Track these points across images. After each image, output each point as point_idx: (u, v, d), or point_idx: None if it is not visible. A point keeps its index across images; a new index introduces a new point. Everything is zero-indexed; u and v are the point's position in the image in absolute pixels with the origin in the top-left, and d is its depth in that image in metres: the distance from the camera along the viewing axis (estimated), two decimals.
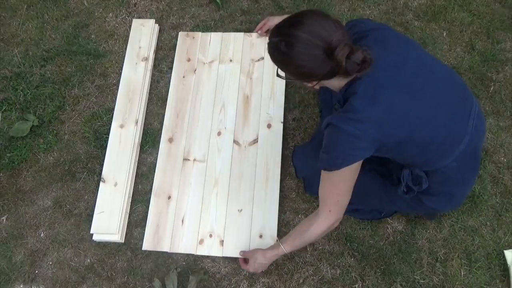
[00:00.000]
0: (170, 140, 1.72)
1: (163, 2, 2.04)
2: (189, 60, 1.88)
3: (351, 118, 1.05)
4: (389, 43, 1.11)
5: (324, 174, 1.16)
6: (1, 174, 1.69)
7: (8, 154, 1.72)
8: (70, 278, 1.53)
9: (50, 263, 1.55)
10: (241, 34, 1.91)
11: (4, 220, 1.62)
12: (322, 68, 1.03)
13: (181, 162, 1.69)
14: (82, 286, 1.52)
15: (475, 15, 1.98)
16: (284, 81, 1.74)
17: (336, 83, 1.11)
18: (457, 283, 1.51)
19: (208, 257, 1.56)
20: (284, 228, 1.60)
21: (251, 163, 1.67)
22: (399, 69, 1.07)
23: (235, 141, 1.71)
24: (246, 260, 1.46)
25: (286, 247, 1.34)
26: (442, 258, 1.55)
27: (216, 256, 1.55)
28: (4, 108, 1.80)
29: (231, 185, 1.64)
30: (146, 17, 2.00)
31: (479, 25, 1.96)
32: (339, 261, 1.55)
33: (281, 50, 1.04)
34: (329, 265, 1.54)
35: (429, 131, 1.09)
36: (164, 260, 1.55)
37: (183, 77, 1.84)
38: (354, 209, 1.56)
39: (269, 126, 1.73)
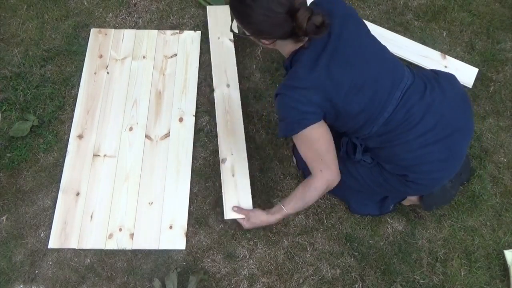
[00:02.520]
0: (80, 136, 1.73)
1: (163, 2, 2.03)
2: (101, 56, 1.89)
3: (295, 86, 1.18)
4: (334, 14, 1.21)
5: (295, 141, 1.27)
6: (1, 174, 1.69)
7: (8, 154, 1.72)
8: (70, 278, 1.53)
9: (50, 263, 1.55)
10: (155, 31, 1.95)
11: (4, 220, 1.62)
12: (282, 27, 1.11)
13: (90, 158, 1.70)
14: (82, 286, 1.52)
15: (475, 15, 1.98)
16: (196, 75, 1.83)
17: (287, 47, 1.21)
18: (457, 283, 1.51)
19: (208, 257, 1.56)
20: (284, 228, 1.60)
21: (162, 157, 1.70)
22: (339, 40, 1.18)
23: (147, 136, 1.73)
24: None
25: (288, 209, 1.39)
26: (442, 258, 1.55)
27: (127, 249, 1.56)
28: (4, 108, 1.80)
29: (142, 179, 1.66)
30: (146, 18, 2.00)
31: (479, 25, 1.96)
32: (339, 261, 1.55)
33: (246, 2, 1.11)
34: (329, 265, 1.54)
35: (358, 101, 1.20)
36: (164, 260, 1.55)
37: (95, 73, 1.85)
38: (360, 203, 1.57)
39: (181, 120, 1.76)
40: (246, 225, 1.51)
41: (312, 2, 1.28)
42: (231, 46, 1.87)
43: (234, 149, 1.65)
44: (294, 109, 1.19)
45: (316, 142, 1.25)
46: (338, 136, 1.38)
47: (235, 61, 1.83)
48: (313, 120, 1.20)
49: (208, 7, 1.96)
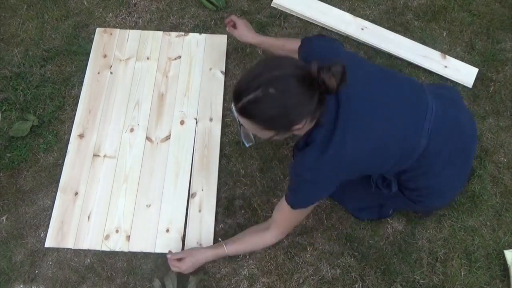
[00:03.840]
0: (81, 136, 1.73)
1: (163, 2, 2.03)
2: (105, 56, 1.89)
3: (309, 167, 1.10)
4: None
5: (286, 205, 1.23)
6: (1, 174, 1.69)
7: (8, 154, 1.72)
8: (70, 278, 1.53)
9: (50, 263, 1.55)
10: (160, 32, 1.94)
11: (4, 220, 1.62)
12: (311, 99, 0.99)
13: (90, 158, 1.69)
14: (82, 286, 1.52)
15: (475, 15, 1.98)
16: (199, 78, 1.81)
17: (308, 125, 1.09)
18: (457, 283, 1.51)
19: None
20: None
21: (162, 159, 1.69)
22: (350, 101, 1.08)
23: (147, 138, 1.73)
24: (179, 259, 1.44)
25: (229, 250, 1.41)
26: (442, 258, 1.55)
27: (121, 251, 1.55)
28: (4, 108, 1.80)
29: (141, 181, 1.66)
30: (146, 18, 2.00)
31: (479, 25, 1.96)
32: (339, 261, 1.55)
33: (267, 100, 0.97)
34: (329, 265, 1.54)
35: (383, 157, 1.14)
36: (164, 261, 1.55)
37: (98, 73, 1.85)
38: (359, 208, 1.57)
39: (182, 122, 1.75)
40: (183, 268, 1.42)
41: (307, 55, 1.21)
42: (221, 79, 1.84)
43: (205, 185, 1.65)
44: (308, 189, 1.17)
45: (304, 214, 1.30)
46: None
47: (222, 96, 1.81)
48: (324, 196, 1.22)
49: (207, 36, 1.93)
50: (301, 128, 1.05)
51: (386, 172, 1.27)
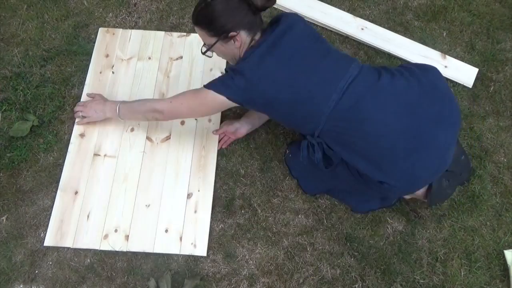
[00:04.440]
0: (82, 135, 1.73)
1: (163, 2, 2.03)
2: (107, 56, 1.89)
3: (236, 69, 1.30)
4: (282, 17, 1.35)
5: (200, 88, 1.39)
6: (1, 174, 1.69)
7: (8, 154, 1.72)
8: (70, 278, 1.53)
9: (50, 263, 1.55)
10: (162, 32, 1.95)
11: (4, 220, 1.62)
12: (240, 11, 1.27)
13: (91, 157, 1.70)
14: (82, 286, 1.52)
15: (475, 15, 1.98)
16: (200, 78, 1.84)
17: (244, 44, 1.33)
18: (457, 283, 1.51)
19: (208, 258, 1.56)
20: (284, 228, 1.60)
21: (162, 159, 1.69)
22: (279, 38, 1.30)
23: (147, 138, 1.73)
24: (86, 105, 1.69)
25: (121, 106, 1.60)
26: (442, 258, 1.55)
27: (121, 251, 1.56)
28: (4, 108, 1.80)
29: (140, 181, 1.66)
30: (146, 18, 1.99)
31: (479, 25, 1.96)
32: (339, 261, 1.55)
33: (206, 4, 1.28)
34: (329, 265, 1.54)
35: (291, 92, 1.28)
36: (164, 261, 1.55)
37: (100, 72, 1.86)
38: (360, 200, 1.57)
39: (182, 122, 1.76)
40: (86, 111, 1.68)
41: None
42: None
43: (201, 186, 1.65)
44: (223, 80, 1.34)
45: (197, 102, 1.41)
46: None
47: None
48: (225, 92, 1.33)
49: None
50: (237, 38, 1.30)
51: (302, 125, 1.37)
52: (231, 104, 1.36)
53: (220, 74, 1.85)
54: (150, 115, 1.53)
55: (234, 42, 1.32)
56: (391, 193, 1.45)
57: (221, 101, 1.35)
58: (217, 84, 1.35)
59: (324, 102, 1.28)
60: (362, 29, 1.93)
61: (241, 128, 1.66)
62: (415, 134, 1.25)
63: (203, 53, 1.39)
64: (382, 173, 1.28)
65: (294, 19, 1.36)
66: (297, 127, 1.43)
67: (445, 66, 1.85)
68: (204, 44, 1.39)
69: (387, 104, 1.27)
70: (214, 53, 1.43)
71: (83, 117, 1.71)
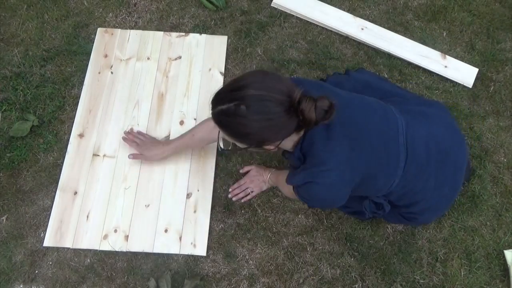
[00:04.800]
0: (81, 135, 1.73)
1: (163, 2, 2.03)
2: (106, 56, 1.89)
3: (323, 170, 1.07)
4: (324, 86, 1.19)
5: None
6: (1, 174, 1.69)
7: (8, 154, 1.72)
8: (70, 278, 1.53)
9: (50, 263, 1.55)
10: (161, 33, 1.94)
11: (4, 220, 1.62)
12: (286, 126, 0.98)
13: (90, 157, 1.70)
14: (82, 286, 1.52)
15: (475, 15, 1.98)
16: (199, 78, 1.80)
17: (290, 141, 1.08)
18: (457, 283, 1.51)
19: (208, 258, 1.56)
20: (284, 228, 1.60)
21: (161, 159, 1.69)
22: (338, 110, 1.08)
23: None
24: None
25: (272, 176, 1.56)
26: (442, 258, 1.55)
27: (121, 251, 1.56)
28: (4, 108, 1.80)
29: (140, 181, 1.66)
30: (146, 18, 1.99)
31: (479, 25, 1.96)
32: (339, 261, 1.55)
33: (238, 115, 0.95)
34: (329, 265, 1.54)
35: (375, 162, 1.14)
36: (164, 261, 1.55)
37: (99, 73, 1.85)
38: (356, 210, 1.57)
39: (181, 123, 1.76)
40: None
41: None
42: (220, 80, 1.84)
43: (201, 186, 1.65)
44: (327, 195, 1.12)
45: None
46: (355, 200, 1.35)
47: None
48: (342, 202, 1.17)
49: (207, 36, 1.93)
50: (273, 148, 1.05)
51: (375, 191, 1.28)
52: None
53: (219, 75, 1.85)
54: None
55: (270, 147, 1.07)
56: (410, 222, 1.49)
57: None
58: (325, 205, 1.26)
59: (396, 163, 1.18)
60: (362, 29, 1.93)
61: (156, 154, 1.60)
62: (453, 182, 1.33)
63: (221, 150, 1.17)
64: (425, 217, 1.37)
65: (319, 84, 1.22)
66: (368, 193, 1.31)
67: (445, 66, 1.85)
68: (221, 140, 1.13)
69: (435, 154, 1.25)
70: None
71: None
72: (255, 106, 0.94)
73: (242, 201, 1.61)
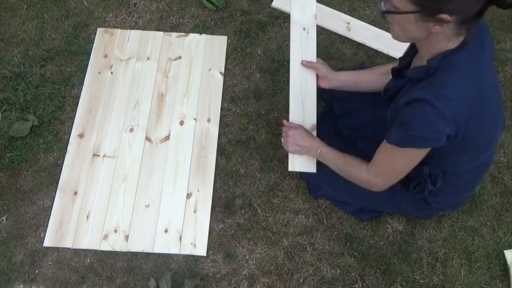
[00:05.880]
0: (80, 135, 1.73)
1: (163, 2, 2.03)
2: (106, 56, 1.89)
3: (444, 95, 0.93)
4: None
5: (388, 145, 1.06)
6: (1, 174, 1.69)
7: (8, 154, 1.72)
8: (70, 278, 1.53)
9: (50, 263, 1.55)
10: (161, 33, 1.94)
11: (4, 220, 1.62)
12: None
13: (90, 157, 1.70)
14: (82, 286, 1.52)
15: None
16: (199, 78, 1.77)
17: (440, 43, 0.95)
18: (457, 283, 1.51)
19: (208, 257, 1.56)
20: (284, 228, 1.60)
21: (161, 160, 1.69)
22: (484, 55, 0.99)
23: (147, 138, 1.73)
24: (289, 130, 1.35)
25: (323, 150, 1.29)
26: (442, 258, 1.55)
27: (121, 251, 1.56)
28: (4, 108, 1.80)
29: (140, 181, 1.66)
30: (146, 18, 2.00)
31: None
32: (339, 261, 1.55)
33: None
34: (329, 265, 1.54)
35: (480, 131, 1.03)
36: (164, 261, 1.55)
37: (99, 73, 1.86)
38: (356, 209, 1.57)
39: (181, 123, 1.76)
40: (288, 143, 1.34)
41: None
42: (220, 79, 1.85)
43: (201, 186, 1.65)
44: (430, 124, 0.96)
45: (406, 163, 1.10)
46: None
47: (220, 96, 1.81)
48: (438, 142, 1.00)
49: (207, 36, 1.93)
50: (442, 26, 0.90)
51: (451, 162, 1.15)
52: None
53: (219, 75, 1.85)
54: (361, 184, 1.25)
55: (434, 26, 0.91)
56: (426, 211, 1.44)
57: (425, 152, 1.07)
58: (419, 139, 1.00)
59: (487, 148, 1.12)
60: (362, 30, 1.93)
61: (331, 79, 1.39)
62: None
63: (382, 12, 0.97)
64: (451, 205, 1.34)
65: (489, 37, 1.06)
66: (441, 164, 1.17)
67: None
68: (387, 1, 0.95)
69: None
70: (392, 21, 0.99)
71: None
72: None
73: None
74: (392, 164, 1.13)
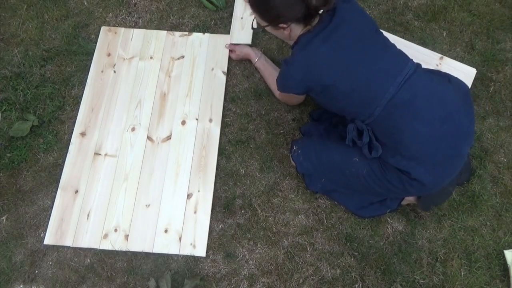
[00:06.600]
0: (83, 134, 1.74)
1: (163, 2, 2.03)
2: (109, 55, 1.89)
3: (289, 61, 1.35)
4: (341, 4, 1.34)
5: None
6: (1, 174, 1.69)
7: (8, 154, 1.72)
8: (70, 278, 1.53)
9: (50, 263, 1.55)
10: (164, 32, 1.94)
11: (4, 220, 1.62)
12: (296, 6, 1.25)
13: (91, 156, 1.70)
14: (82, 286, 1.52)
15: (475, 15, 1.98)
16: (201, 78, 1.86)
17: (297, 32, 1.35)
18: (457, 283, 1.51)
19: (208, 258, 1.56)
20: (284, 228, 1.60)
21: (162, 159, 1.69)
22: (338, 26, 1.30)
23: (148, 137, 1.73)
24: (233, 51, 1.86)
25: (262, 58, 1.81)
26: (442, 258, 1.55)
27: (121, 251, 1.56)
28: (4, 108, 1.80)
29: (141, 181, 1.66)
30: (146, 18, 1.99)
31: (479, 25, 1.96)
32: (339, 261, 1.55)
33: None
34: (329, 265, 1.54)
35: (350, 80, 1.29)
36: (164, 261, 1.55)
37: (102, 71, 1.86)
38: (358, 206, 1.57)
39: (183, 123, 1.76)
40: (232, 56, 1.87)
41: None
42: (223, 79, 1.85)
43: (201, 186, 1.65)
44: (287, 78, 1.40)
45: (289, 97, 1.63)
46: (343, 124, 1.50)
47: (223, 96, 1.81)
48: (296, 90, 1.40)
49: (210, 36, 1.93)
50: (287, 28, 1.32)
51: (355, 115, 1.38)
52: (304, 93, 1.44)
53: (222, 75, 1.85)
54: (271, 88, 1.79)
55: (284, 30, 1.34)
56: (409, 187, 1.43)
57: (294, 95, 1.51)
58: (281, 85, 1.45)
59: (381, 92, 1.29)
60: None
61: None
62: (452, 143, 1.31)
63: (254, 29, 1.45)
64: (422, 171, 1.32)
65: (353, 8, 1.36)
66: (348, 113, 1.43)
67: (443, 68, 1.85)
68: (255, 22, 1.43)
69: (437, 108, 1.29)
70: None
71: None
72: None
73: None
74: (282, 95, 1.67)
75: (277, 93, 1.71)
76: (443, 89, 1.33)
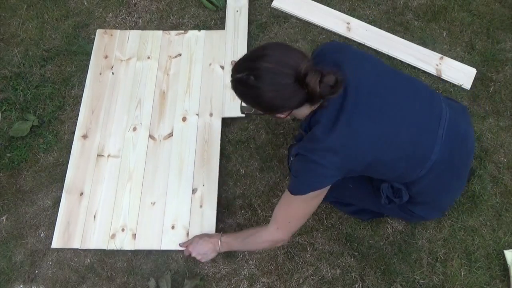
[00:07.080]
0: (84, 136, 1.73)
1: (163, 2, 2.04)
2: (106, 57, 1.89)
3: (315, 148, 1.08)
4: (344, 65, 1.11)
5: (286, 194, 1.19)
6: (1, 174, 1.69)
7: (8, 154, 1.72)
8: (70, 278, 1.53)
9: (50, 263, 1.55)
10: (160, 32, 1.95)
11: (4, 220, 1.62)
12: (295, 97, 1.03)
13: (95, 158, 1.70)
14: (82, 286, 1.52)
15: (475, 15, 1.98)
16: (200, 74, 1.80)
17: (303, 112, 1.12)
18: (457, 283, 1.51)
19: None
20: None
21: (165, 157, 1.69)
22: (358, 91, 1.08)
23: (150, 136, 1.73)
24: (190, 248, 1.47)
25: (223, 242, 1.40)
26: (442, 258, 1.55)
27: (129, 250, 1.56)
28: (4, 108, 1.80)
29: (145, 179, 1.66)
30: (146, 18, 2.00)
31: (479, 25, 1.96)
32: (339, 261, 1.55)
33: (250, 84, 1.02)
34: (329, 265, 1.54)
35: (393, 150, 1.11)
36: (164, 260, 1.55)
37: (100, 74, 1.86)
38: (357, 210, 1.57)
39: (184, 119, 1.76)
40: (193, 254, 1.46)
41: (316, 55, 1.19)
42: (221, 73, 1.84)
43: (206, 181, 1.65)
44: (313, 170, 1.10)
45: (302, 208, 1.20)
46: (370, 181, 1.33)
47: (222, 90, 1.80)
48: (327, 183, 1.13)
49: (206, 32, 1.93)
50: (285, 116, 1.11)
51: (396, 179, 1.24)
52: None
53: (220, 69, 1.85)
54: (267, 246, 1.38)
55: (284, 117, 1.14)
56: (410, 217, 1.48)
57: (319, 192, 1.14)
58: (303, 186, 1.13)
59: (428, 153, 1.15)
60: (362, 30, 1.93)
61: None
62: (464, 181, 1.34)
63: (243, 113, 1.28)
64: (434, 214, 1.36)
65: (355, 56, 1.17)
66: (388, 179, 1.26)
67: (443, 68, 1.85)
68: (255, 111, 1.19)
69: (466, 159, 1.27)
70: None
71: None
72: (266, 78, 1.01)
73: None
74: (291, 211, 1.21)
75: (275, 236, 1.26)
76: (466, 128, 1.26)
